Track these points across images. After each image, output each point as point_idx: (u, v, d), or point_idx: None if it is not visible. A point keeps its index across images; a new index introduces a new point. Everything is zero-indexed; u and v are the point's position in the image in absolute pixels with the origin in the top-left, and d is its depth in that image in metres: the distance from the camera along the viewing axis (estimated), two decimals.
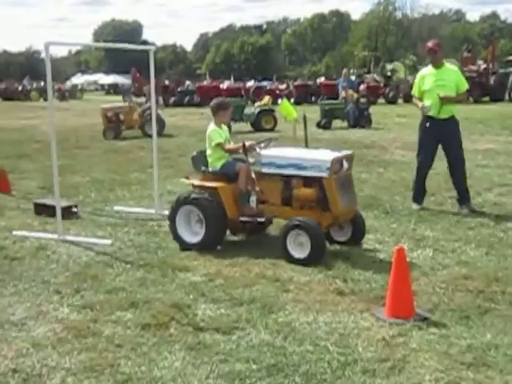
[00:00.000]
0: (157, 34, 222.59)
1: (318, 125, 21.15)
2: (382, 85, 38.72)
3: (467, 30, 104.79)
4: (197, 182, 7.25)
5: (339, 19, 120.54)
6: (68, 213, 8.41)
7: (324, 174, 6.45)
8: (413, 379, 3.97)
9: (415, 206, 8.73)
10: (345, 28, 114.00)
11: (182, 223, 7.08)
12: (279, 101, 13.77)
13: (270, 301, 5.33)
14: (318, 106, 22.91)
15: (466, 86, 8.56)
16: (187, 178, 7.45)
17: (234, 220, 6.94)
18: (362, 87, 23.41)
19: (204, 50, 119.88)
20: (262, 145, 7.13)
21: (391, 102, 37.16)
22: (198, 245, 6.88)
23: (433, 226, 7.80)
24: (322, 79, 42.01)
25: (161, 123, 19.49)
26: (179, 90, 41.53)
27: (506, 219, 8.02)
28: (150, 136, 18.01)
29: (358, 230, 6.95)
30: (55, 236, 7.49)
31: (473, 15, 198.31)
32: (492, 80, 35.72)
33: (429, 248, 6.81)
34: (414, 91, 8.86)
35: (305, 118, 10.39)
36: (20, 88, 54.52)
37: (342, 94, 22.54)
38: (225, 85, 41.20)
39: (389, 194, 9.72)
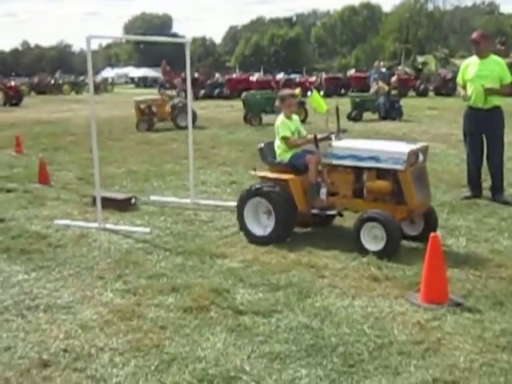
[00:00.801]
0: (186, 27, 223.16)
1: (349, 117, 21.23)
2: (412, 77, 38.50)
3: (500, 23, 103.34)
4: (266, 174, 7.15)
5: (370, 11, 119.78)
6: (127, 205, 8.66)
7: (400, 167, 6.30)
8: (447, 360, 4.10)
9: (467, 193, 8.89)
10: (375, 20, 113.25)
11: (250, 215, 7.01)
12: (309, 93, 13.91)
13: (306, 286, 5.48)
14: (349, 98, 22.95)
15: (510, 78, 8.61)
16: (255, 169, 7.37)
17: (304, 212, 6.87)
18: (393, 79, 23.36)
19: (233, 42, 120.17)
20: (334, 136, 6.96)
21: (422, 94, 36.96)
22: (267, 238, 6.80)
23: (465, 216, 7.88)
24: (352, 72, 42.01)
25: (193, 115, 19.68)
26: (209, 82, 41.72)
27: None
28: (182, 128, 18.49)
29: (430, 224, 6.72)
30: (95, 225, 7.71)
31: (507, 8, 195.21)
32: None
33: (462, 237, 6.91)
34: (459, 79, 9.00)
35: (337, 109, 10.47)
36: (52, 82, 55.15)
37: (374, 86, 22.54)
38: (254, 77, 41.32)
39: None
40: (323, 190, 6.78)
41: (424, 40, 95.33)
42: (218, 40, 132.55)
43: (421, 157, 6.59)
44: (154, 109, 20.08)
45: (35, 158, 12.41)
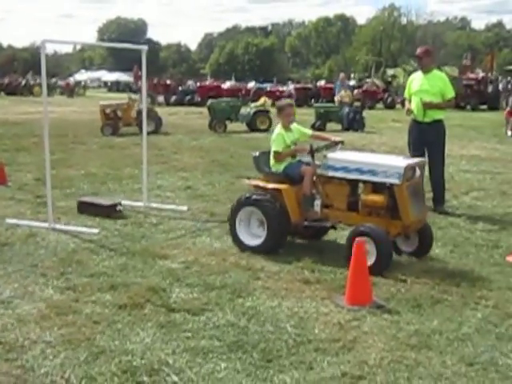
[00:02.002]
0: (162, 33, 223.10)
1: (313, 126, 21.56)
2: (381, 90, 39.08)
3: (472, 38, 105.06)
4: (259, 183, 7.02)
5: (344, 23, 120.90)
6: (112, 211, 8.53)
7: (396, 181, 6.20)
8: (360, 357, 4.36)
9: None
10: (349, 32, 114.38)
11: (242, 225, 6.91)
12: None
13: (239, 287, 5.72)
14: (313, 108, 23.33)
15: (452, 93, 8.90)
16: (248, 178, 7.31)
17: (297, 224, 6.75)
18: (356, 91, 23.77)
19: (208, 49, 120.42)
20: (329, 147, 6.90)
21: (389, 107, 37.55)
22: (258, 248, 6.70)
23: None
24: (322, 82, 42.48)
25: (158, 121, 19.96)
26: (180, 89, 41.95)
27: (476, 221, 8.40)
28: (147, 133, 18.61)
29: (426, 240, 6.67)
30: (46, 224, 7.86)
31: (478, 23, 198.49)
32: (490, 88, 36.07)
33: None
34: (406, 93, 9.31)
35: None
36: (23, 83, 54.87)
37: (338, 97, 22.94)
38: (226, 85, 41.64)
39: None
40: (317, 202, 6.70)
41: (397, 53, 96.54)
42: (193, 47, 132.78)
43: (418, 172, 6.54)
44: (119, 113, 20.21)
45: None
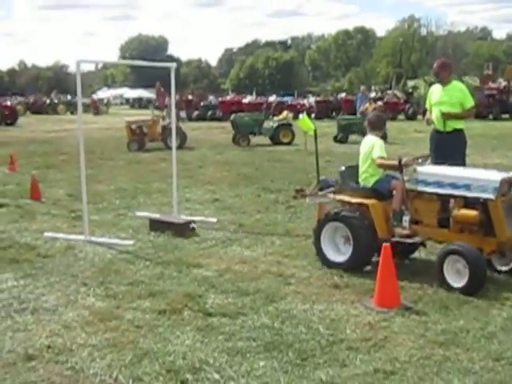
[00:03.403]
0: (182, 49, 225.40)
1: (335, 139, 21.87)
2: (402, 101, 39.18)
3: (493, 48, 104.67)
4: (346, 198, 6.93)
5: (364, 35, 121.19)
6: (186, 229, 8.52)
7: (491, 196, 5.97)
8: (390, 355, 4.60)
9: None
10: (369, 44, 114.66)
11: (327, 240, 6.82)
12: (300, 116, 14.41)
13: (272, 292, 5.99)
14: (335, 120, 23.59)
15: (471, 103, 9.09)
16: (335, 193, 7.17)
17: (385, 240, 6.37)
18: (378, 103, 23.99)
19: (229, 65, 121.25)
20: (419, 161, 6.77)
21: (411, 118, 37.62)
22: (344, 264, 6.57)
23: None
24: (342, 95, 42.71)
25: (182, 136, 20.30)
26: (202, 104, 42.38)
27: None
28: (171, 148, 19.01)
29: None
30: (82, 237, 8.19)
31: (499, 33, 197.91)
32: None
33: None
34: (427, 105, 9.50)
35: (315, 133, 11.06)
36: (48, 102, 55.75)
37: (360, 109, 23.18)
38: (247, 99, 42.02)
39: None
40: (406, 218, 6.52)
41: (417, 64, 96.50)
42: (213, 62, 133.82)
43: None
44: (144, 129, 20.63)
45: (28, 175, 12.87)
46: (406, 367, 4.39)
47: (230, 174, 14.37)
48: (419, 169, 6.55)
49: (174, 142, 10.17)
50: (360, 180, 6.98)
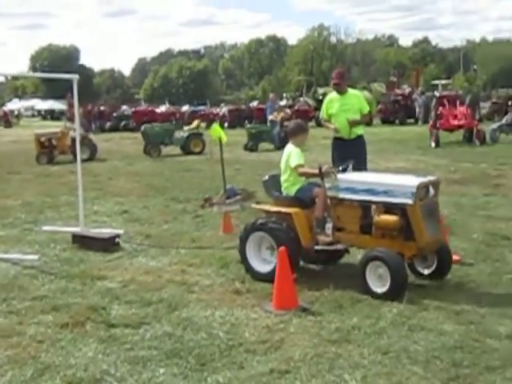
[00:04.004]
0: (95, 59, 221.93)
1: (246, 147, 22.17)
2: (312, 108, 39.91)
3: (400, 55, 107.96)
4: (269, 208, 6.92)
5: (276, 44, 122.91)
6: (111, 244, 8.35)
7: (409, 201, 6.01)
8: (286, 355, 4.79)
9: None
10: (281, 53, 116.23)
11: (252, 251, 6.78)
12: (213, 125, 14.58)
13: (175, 301, 6.09)
14: (245, 129, 23.90)
15: (367, 108, 9.49)
16: (258, 203, 7.24)
17: (309, 248, 6.60)
18: (287, 111, 24.45)
19: (142, 74, 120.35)
20: (340, 169, 6.80)
21: (320, 125, 38.31)
22: (270, 274, 6.32)
23: None
24: (254, 103, 43.19)
25: (93, 148, 20.17)
26: (115, 115, 41.98)
27: None
28: (82, 160, 18.81)
29: (444, 261, 6.44)
30: None
31: (406, 40, 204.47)
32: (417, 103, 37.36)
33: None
34: (323, 114, 9.68)
35: (220, 142, 11.33)
36: None
37: (270, 117, 23.57)
38: (160, 109, 41.93)
39: None
40: (329, 225, 6.56)
41: (328, 72, 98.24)
42: (127, 72, 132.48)
43: (431, 191, 6.33)
44: (54, 142, 20.32)
45: None
46: (300, 366, 4.59)
47: (139, 185, 14.37)
48: (340, 176, 6.60)
49: (78, 153, 10.11)
50: (282, 189, 6.97)
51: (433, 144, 21.16)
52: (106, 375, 4.57)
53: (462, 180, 12.98)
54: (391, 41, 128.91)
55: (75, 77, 9.57)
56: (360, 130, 9.43)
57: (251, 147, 22.05)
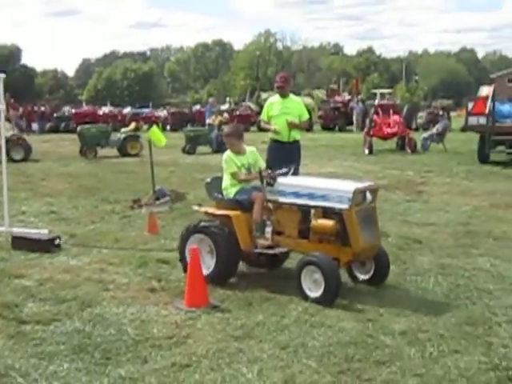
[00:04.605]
0: (38, 59, 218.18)
1: (183, 150, 22.29)
2: (255, 113, 40.23)
3: (344, 63, 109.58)
4: (210, 210, 6.90)
5: (222, 48, 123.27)
6: (51, 245, 8.19)
7: (345, 206, 6.03)
8: (189, 350, 4.95)
9: None
10: (227, 57, 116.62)
11: None
12: (154, 127, 14.68)
13: (89, 298, 6.18)
14: (183, 132, 24.03)
15: (307, 116, 9.76)
16: (200, 205, 7.17)
17: (248, 251, 6.61)
18: (225, 115, 24.68)
19: (86, 75, 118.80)
20: (281, 172, 6.75)
21: (262, 129, 38.68)
22: (208, 277, 6.34)
23: None
24: (197, 107, 43.29)
25: (27, 148, 19.99)
26: (56, 115, 41.48)
27: None
28: (16, 161, 18.71)
29: (381, 267, 6.48)
30: None
31: (351, 49, 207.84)
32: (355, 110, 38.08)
33: None
34: (263, 116, 9.80)
35: (150, 144, 11.45)
36: None
37: (208, 120, 23.76)
38: (102, 111, 41.61)
39: None
40: (268, 229, 6.54)
41: (273, 77, 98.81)
42: (70, 73, 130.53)
43: (369, 196, 6.32)
44: None
45: None
46: (202, 360, 4.75)
47: (71, 186, 14.33)
48: (280, 180, 6.58)
49: (3, 152, 10.04)
50: (223, 190, 6.95)
51: (366, 151, 21.68)
52: (10, 370, 4.64)
53: (388, 186, 13.35)
54: (336, 49, 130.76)
55: (1, 76, 9.50)
56: (297, 135, 9.61)
57: (189, 150, 22.21)
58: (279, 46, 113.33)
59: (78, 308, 5.92)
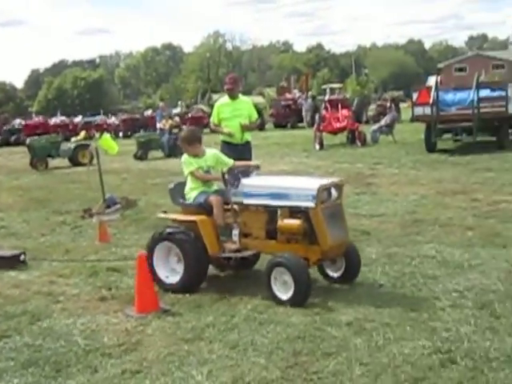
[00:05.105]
0: None
1: (135, 156, 22.19)
2: (207, 115, 40.21)
3: (295, 60, 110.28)
4: (175, 216, 6.80)
5: (172, 52, 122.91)
6: (16, 261, 8.02)
7: (310, 204, 5.89)
8: (140, 356, 4.97)
9: None
10: (178, 60, 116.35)
11: (160, 261, 6.59)
12: (105, 135, 14.58)
13: (39, 311, 6.14)
14: (134, 138, 23.91)
15: (256, 115, 9.81)
16: (165, 212, 7.04)
17: (216, 256, 6.49)
18: (176, 119, 24.64)
19: (36, 86, 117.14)
20: (248, 172, 6.68)
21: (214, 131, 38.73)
22: (177, 285, 6.38)
23: None
24: (149, 112, 43.09)
25: None
26: (5, 128, 40.88)
27: None
28: None
29: (352, 264, 6.38)
30: None
31: (300, 46, 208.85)
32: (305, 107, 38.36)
33: None
34: (214, 119, 9.72)
35: (97, 151, 11.44)
36: None
37: (159, 125, 23.70)
38: (52, 121, 41.14)
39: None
40: (235, 232, 6.41)
41: (225, 78, 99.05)
42: (19, 84, 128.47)
43: (334, 193, 6.18)
44: None
45: None
46: (152, 365, 4.78)
47: (22, 199, 14.18)
48: (243, 181, 6.45)
49: None
50: (185, 194, 6.82)
51: (317, 146, 21.88)
52: None
53: None
54: (286, 47, 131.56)
55: None
56: (249, 136, 9.67)
57: (141, 156, 22.12)
58: (229, 46, 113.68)
59: (28, 322, 5.88)
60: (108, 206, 11.24)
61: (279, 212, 6.21)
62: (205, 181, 6.76)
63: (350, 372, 4.42)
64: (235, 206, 6.49)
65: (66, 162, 21.72)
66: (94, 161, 20.71)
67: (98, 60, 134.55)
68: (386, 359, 4.59)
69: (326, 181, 6.25)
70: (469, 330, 5.01)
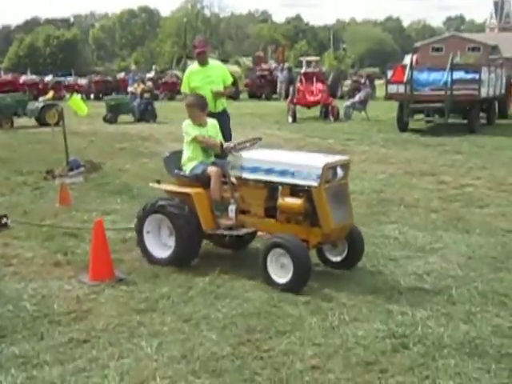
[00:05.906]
0: None
1: (104, 119, 21.81)
2: (180, 81, 39.74)
3: (273, 31, 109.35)
4: (168, 187, 6.41)
5: (149, 15, 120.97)
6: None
7: (313, 183, 5.49)
8: (89, 325, 4.84)
9: None
10: (154, 24, 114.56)
11: (151, 235, 6.27)
12: (75, 96, 14.22)
13: None
14: (104, 101, 23.49)
15: (230, 79, 9.18)
16: (158, 182, 6.55)
17: (210, 232, 6.11)
18: (148, 83, 24.27)
19: (6, 43, 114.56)
20: (248, 145, 6.21)
21: None
22: (168, 259, 6.08)
23: None
24: (121, 75, 42.38)
25: None
26: None
27: None
28: None
29: (355, 248, 6.01)
30: None
31: (279, 17, 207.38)
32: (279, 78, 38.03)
33: None
34: (184, 88, 9.03)
35: (62, 112, 11.16)
36: None
37: (130, 89, 23.30)
38: (22, 79, 40.22)
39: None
40: (232, 207, 6.03)
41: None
42: None
43: (340, 172, 5.75)
44: None
45: None
46: (101, 335, 4.65)
47: None
48: (243, 154, 5.99)
49: None
50: (182, 165, 6.41)
51: (290, 119, 21.70)
52: None
53: None
54: (265, 17, 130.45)
55: None
56: (224, 103, 9.15)
57: (110, 119, 21.73)
58: (207, 12, 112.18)
59: None
60: (71, 169, 10.99)
61: (280, 189, 5.86)
62: (207, 147, 6.38)
63: (301, 352, 4.34)
64: (233, 179, 6.11)
65: (33, 121, 21.26)
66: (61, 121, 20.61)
67: (72, 19, 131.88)
68: (339, 341, 4.51)
69: (332, 159, 5.81)
70: (424, 314, 4.96)
